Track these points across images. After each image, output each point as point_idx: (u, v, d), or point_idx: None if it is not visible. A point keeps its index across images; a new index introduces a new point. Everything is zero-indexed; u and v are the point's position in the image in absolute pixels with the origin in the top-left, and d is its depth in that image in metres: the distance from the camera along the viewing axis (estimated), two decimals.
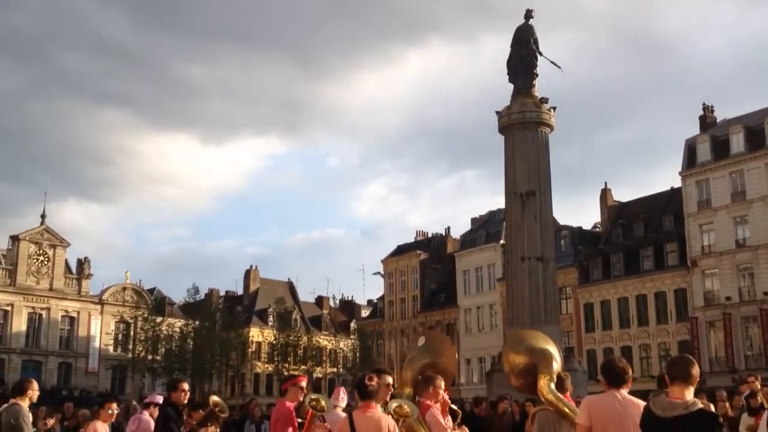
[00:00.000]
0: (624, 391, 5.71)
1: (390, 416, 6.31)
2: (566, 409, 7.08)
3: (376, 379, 6.57)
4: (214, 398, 8.02)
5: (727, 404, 12.00)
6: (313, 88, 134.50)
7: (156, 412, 9.35)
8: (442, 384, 7.22)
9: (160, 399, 9.74)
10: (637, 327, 50.60)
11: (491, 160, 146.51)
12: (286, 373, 61.53)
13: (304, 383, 8.17)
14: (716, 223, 47.38)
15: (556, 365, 7.64)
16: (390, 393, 6.76)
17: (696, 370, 4.98)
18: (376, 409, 6.32)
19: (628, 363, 6.45)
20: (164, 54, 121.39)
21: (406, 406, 6.30)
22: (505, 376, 9.05)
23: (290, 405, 7.73)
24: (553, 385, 7.35)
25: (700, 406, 4.86)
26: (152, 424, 9.13)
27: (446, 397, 7.40)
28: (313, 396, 7.06)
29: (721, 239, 46.91)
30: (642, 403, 5.76)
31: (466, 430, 7.57)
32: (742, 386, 11.98)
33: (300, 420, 7.43)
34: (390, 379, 6.73)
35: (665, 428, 4.78)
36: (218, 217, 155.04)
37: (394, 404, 6.24)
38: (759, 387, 11.59)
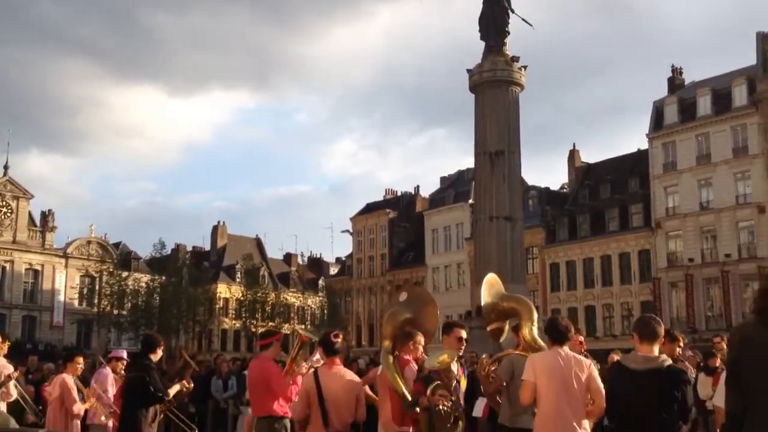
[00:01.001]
0: (566, 348, 5.94)
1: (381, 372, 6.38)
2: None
3: (341, 336, 6.67)
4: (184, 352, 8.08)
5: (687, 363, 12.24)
6: (283, 42, 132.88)
7: (119, 367, 9.32)
8: (422, 340, 7.26)
9: (123, 353, 9.70)
10: (601, 287, 51.39)
11: (461, 119, 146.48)
12: (253, 330, 61.82)
13: (280, 339, 8.20)
14: (681, 185, 47.98)
15: (536, 314, 7.74)
16: (462, 347, 6.58)
17: (662, 330, 5.27)
18: (341, 366, 6.45)
19: (592, 322, 6.64)
20: (131, 1, 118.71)
21: (444, 356, 6.12)
22: (474, 333, 9.12)
23: (274, 363, 7.74)
24: (535, 332, 7.43)
25: (670, 362, 5.10)
26: (111, 377, 9.12)
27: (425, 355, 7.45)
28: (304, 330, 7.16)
29: (685, 201, 47.56)
30: (583, 359, 5.94)
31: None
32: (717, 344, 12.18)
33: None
34: (464, 333, 6.58)
35: (638, 379, 4.98)
36: (185, 171, 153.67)
37: (433, 361, 6.08)
38: (725, 347, 11.84)
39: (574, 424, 5.74)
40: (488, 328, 8.37)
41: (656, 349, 5.17)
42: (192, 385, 8.24)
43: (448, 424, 5.97)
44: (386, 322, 7.81)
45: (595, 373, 5.86)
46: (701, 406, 10.18)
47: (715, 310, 45.23)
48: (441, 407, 5.93)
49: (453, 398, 6.05)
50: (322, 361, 8.00)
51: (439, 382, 6.01)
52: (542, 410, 5.91)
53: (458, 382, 6.31)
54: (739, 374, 3.37)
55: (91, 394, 8.77)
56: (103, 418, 8.88)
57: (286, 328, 68.28)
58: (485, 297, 8.19)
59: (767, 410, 3.22)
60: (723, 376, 9.49)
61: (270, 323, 62.51)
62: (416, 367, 7.01)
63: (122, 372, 9.04)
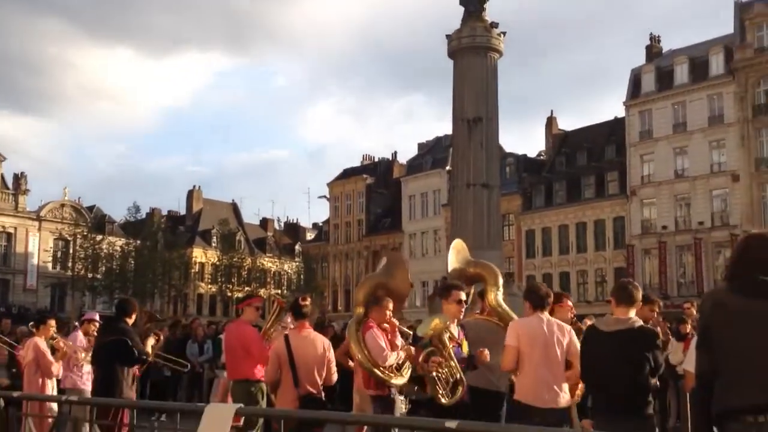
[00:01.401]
0: (547, 314, 6.00)
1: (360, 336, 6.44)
2: (512, 318, 7.14)
3: (309, 300, 6.81)
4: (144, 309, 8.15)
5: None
6: (259, 3, 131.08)
7: (91, 329, 9.30)
8: (390, 305, 7.30)
9: (96, 315, 9.67)
10: (576, 254, 51.86)
11: (440, 85, 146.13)
12: (229, 294, 61.83)
13: (259, 304, 8.21)
14: (657, 153, 48.30)
15: (501, 279, 7.78)
16: (463, 309, 6.58)
17: (639, 294, 5.36)
18: (311, 329, 6.58)
19: (566, 288, 6.72)
20: None
21: (437, 321, 6.14)
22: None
23: (251, 326, 7.77)
24: (501, 296, 7.48)
25: (641, 323, 5.17)
26: (80, 338, 9.10)
27: (394, 319, 7.49)
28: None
29: (660, 169, 47.92)
30: (564, 325, 6.02)
31: (412, 349, 7.65)
32: (687, 310, 12.37)
33: None
34: (463, 295, 6.58)
35: (608, 341, 5.05)
36: (160, 133, 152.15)
37: (425, 328, 6.10)
38: (695, 313, 12.03)
39: (555, 388, 5.83)
40: None
41: (632, 313, 5.23)
42: (162, 337, 8.27)
43: (445, 390, 6.03)
44: (359, 288, 7.86)
45: (575, 339, 5.93)
46: (672, 371, 10.34)
47: (688, 277, 45.87)
48: (435, 374, 5.99)
49: (451, 363, 6.09)
50: (292, 325, 8.04)
51: (432, 348, 6.05)
52: (525, 375, 6.00)
53: (459, 345, 6.34)
54: (709, 339, 3.41)
55: (64, 348, 8.71)
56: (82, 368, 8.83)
57: (262, 293, 68.53)
58: (452, 263, 8.25)
59: (736, 373, 3.26)
60: (693, 341, 9.65)
61: (246, 288, 62.61)
62: (379, 332, 7.10)
63: (94, 334, 9.00)
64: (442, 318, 6.17)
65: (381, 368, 7.08)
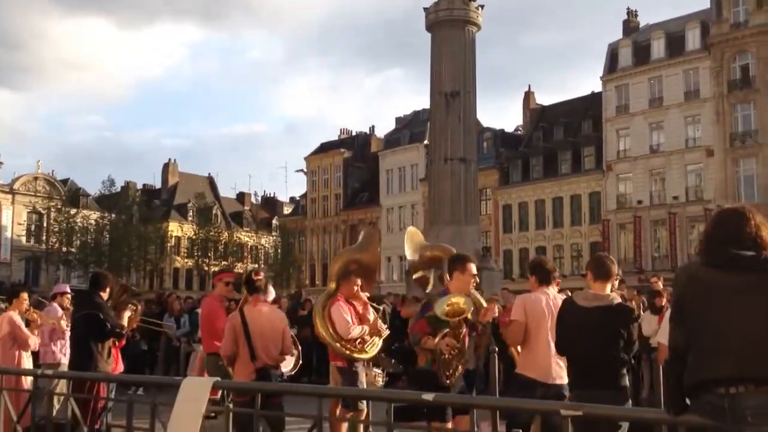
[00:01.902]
0: (552, 289, 6.04)
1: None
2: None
3: (262, 275, 6.91)
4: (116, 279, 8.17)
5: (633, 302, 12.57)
6: None
7: (65, 301, 9.24)
8: (358, 280, 7.38)
9: (66, 288, 9.62)
10: (552, 228, 52.20)
11: (418, 59, 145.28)
12: (206, 268, 61.60)
13: (229, 279, 8.21)
14: (632, 128, 48.57)
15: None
16: (474, 283, 6.49)
17: (615, 269, 5.41)
18: (265, 303, 6.64)
19: None
20: None
21: (458, 300, 6.06)
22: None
23: (218, 301, 7.84)
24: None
25: (619, 300, 5.23)
26: (60, 311, 9.04)
27: (365, 294, 7.56)
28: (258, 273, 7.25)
29: (636, 144, 48.22)
30: None
31: (381, 324, 7.71)
32: (654, 284, 12.57)
33: None
34: (474, 269, 6.47)
35: (586, 316, 5.10)
36: (135, 106, 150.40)
37: (443, 306, 6.02)
38: (661, 287, 12.23)
39: (561, 363, 5.89)
40: (414, 277, 8.51)
41: (608, 288, 5.28)
42: (139, 307, 8.25)
43: (448, 371, 6.08)
44: (333, 263, 7.96)
45: None
46: (645, 343, 10.49)
47: (662, 251, 46.37)
48: (446, 355, 6.03)
49: (459, 345, 6.12)
50: (270, 297, 8.07)
51: (448, 330, 6.06)
52: (530, 350, 6.03)
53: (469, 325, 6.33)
54: (683, 312, 3.44)
55: (38, 320, 8.65)
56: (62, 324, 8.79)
57: (239, 268, 68.39)
58: (408, 252, 8.32)
59: (709, 346, 3.29)
60: (667, 314, 9.80)
61: (223, 262, 62.39)
62: (345, 306, 7.22)
63: (69, 306, 8.95)
64: (467, 301, 6.08)
65: (344, 342, 7.18)
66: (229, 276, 8.43)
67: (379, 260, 8.41)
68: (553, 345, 5.67)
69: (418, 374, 6.34)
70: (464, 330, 6.15)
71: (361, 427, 7.34)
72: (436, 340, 6.03)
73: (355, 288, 7.39)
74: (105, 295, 7.86)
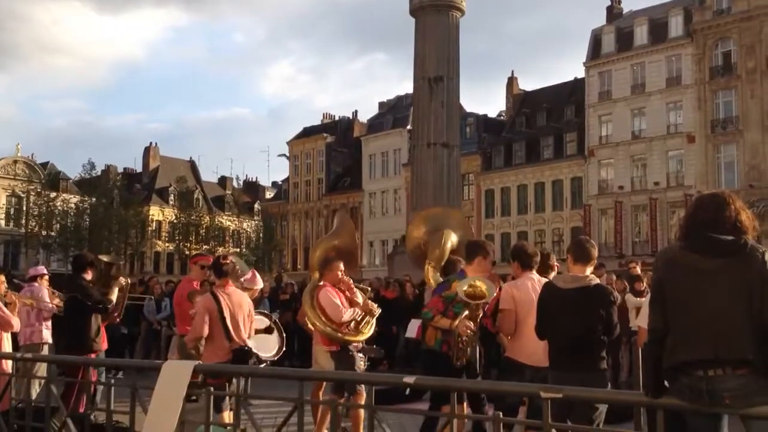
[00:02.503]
0: (535, 273, 6.05)
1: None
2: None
3: (230, 259, 7.07)
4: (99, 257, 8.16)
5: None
6: None
7: (45, 282, 9.21)
8: (341, 266, 7.41)
9: (43, 269, 9.57)
10: (534, 213, 52.41)
11: (401, 43, 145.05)
12: (187, 252, 61.32)
13: (204, 262, 8.20)
14: (615, 114, 48.74)
15: (441, 252, 7.84)
16: (488, 273, 6.49)
17: (595, 252, 5.47)
18: (233, 286, 6.84)
19: None
20: None
21: (482, 286, 6.02)
22: (406, 258, 9.25)
23: (195, 283, 7.88)
24: (438, 274, 7.57)
25: (598, 281, 5.25)
26: (45, 291, 8.97)
27: (348, 277, 7.58)
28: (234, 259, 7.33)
29: (618, 130, 48.40)
30: None
31: (372, 305, 7.71)
32: (632, 269, 12.75)
33: None
34: (493, 258, 6.57)
35: (564, 298, 5.12)
36: (116, 90, 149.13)
37: (464, 286, 6.02)
38: (639, 272, 12.42)
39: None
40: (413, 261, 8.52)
41: (588, 271, 5.31)
42: (128, 281, 8.30)
43: (459, 354, 6.15)
44: (312, 253, 7.96)
45: None
46: (625, 326, 10.58)
47: (642, 236, 46.69)
48: (464, 338, 6.10)
49: (475, 329, 6.20)
50: (258, 285, 8.10)
51: (467, 312, 6.11)
52: (521, 335, 6.04)
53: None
54: (662, 295, 3.47)
55: (17, 301, 8.58)
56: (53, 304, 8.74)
57: (221, 252, 68.19)
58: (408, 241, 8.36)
59: (687, 329, 3.33)
60: (646, 298, 9.88)
61: (204, 246, 62.20)
62: (333, 291, 7.25)
63: (48, 287, 8.94)
64: (489, 287, 6.05)
65: (336, 327, 7.20)
66: (203, 260, 8.46)
67: (355, 243, 8.40)
68: None
69: (429, 356, 6.32)
70: (480, 314, 6.19)
71: (362, 412, 7.37)
72: (456, 322, 6.07)
73: (339, 273, 7.42)
74: (89, 276, 7.87)
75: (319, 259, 7.78)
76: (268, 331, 8.49)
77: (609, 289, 5.41)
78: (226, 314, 6.61)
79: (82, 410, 6.51)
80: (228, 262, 6.94)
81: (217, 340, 6.59)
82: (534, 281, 6.11)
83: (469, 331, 6.10)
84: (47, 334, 8.85)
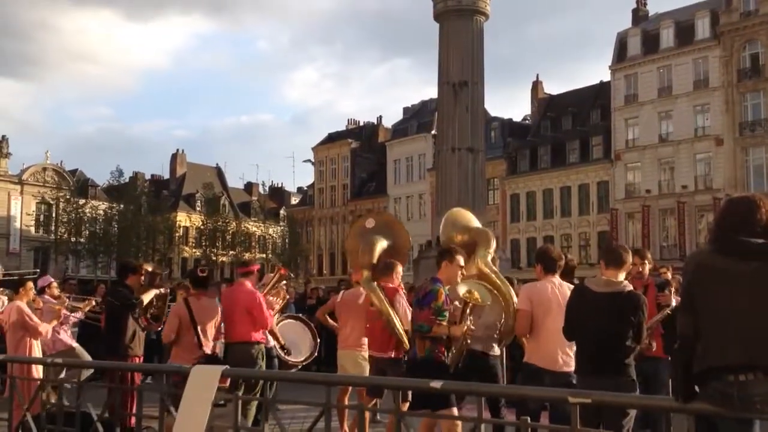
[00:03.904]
0: (557, 277, 6.02)
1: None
2: (499, 281, 7.14)
3: (207, 271, 7.52)
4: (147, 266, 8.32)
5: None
6: None
7: (54, 291, 9.35)
8: (401, 270, 7.48)
9: (50, 279, 9.76)
10: (560, 218, 52.10)
11: (425, 48, 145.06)
12: (214, 258, 61.74)
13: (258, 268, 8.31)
14: (641, 117, 48.34)
15: (494, 243, 7.77)
16: (461, 273, 6.61)
17: (629, 258, 5.42)
18: (206, 296, 7.22)
19: None
20: None
21: (476, 293, 6.17)
22: (432, 262, 9.18)
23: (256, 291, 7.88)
24: (489, 259, 7.44)
25: (631, 287, 5.22)
26: (53, 300, 9.14)
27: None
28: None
29: (645, 133, 48.00)
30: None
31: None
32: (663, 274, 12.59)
33: None
34: (462, 260, 6.58)
35: (597, 301, 5.11)
36: (143, 97, 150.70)
37: (463, 289, 6.14)
38: (670, 277, 12.24)
39: (568, 352, 5.89)
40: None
41: (621, 276, 5.27)
42: (167, 290, 8.48)
43: (458, 358, 6.23)
44: (363, 252, 7.85)
45: None
46: None
47: (670, 241, 46.22)
48: (468, 340, 6.22)
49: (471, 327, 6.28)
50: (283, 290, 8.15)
51: (471, 317, 6.19)
52: (537, 339, 6.03)
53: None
54: (692, 300, 3.44)
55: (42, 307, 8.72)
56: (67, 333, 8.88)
57: (247, 257, 68.47)
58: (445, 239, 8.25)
59: (718, 334, 3.29)
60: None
61: (231, 252, 62.58)
62: (404, 297, 7.26)
63: (60, 294, 9.12)
64: (484, 297, 6.18)
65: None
66: (259, 267, 8.55)
67: (409, 239, 8.39)
68: (561, 333, 5.63)
69: (422, 365, 6.27)
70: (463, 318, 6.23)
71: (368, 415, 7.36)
72: (463, 327, 6.08)
73: (399, 279, 7.59)
74: (131, 282, 8.01)
75: (374, 260, 7.75)
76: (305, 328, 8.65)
77: (641, 296, 5.35)
78: (199, 323, 7.02)
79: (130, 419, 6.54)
80: (205, 273, 7.42)
81: (187, 345, 7.01)
82: (555, 285, 6.07)
83: (470, 336, 6.14)
84: (68, 339, 8.98)
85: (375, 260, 7.73)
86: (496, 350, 6.98)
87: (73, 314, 9.23)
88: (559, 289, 6.01)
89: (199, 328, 7.04)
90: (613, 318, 5.08)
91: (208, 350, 7.05)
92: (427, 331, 6.11)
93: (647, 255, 7.17)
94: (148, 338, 14.20)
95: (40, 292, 9.37)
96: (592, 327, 5.12)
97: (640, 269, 6.93)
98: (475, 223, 8.10)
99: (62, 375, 6.10)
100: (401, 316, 7.27)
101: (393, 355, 7.31)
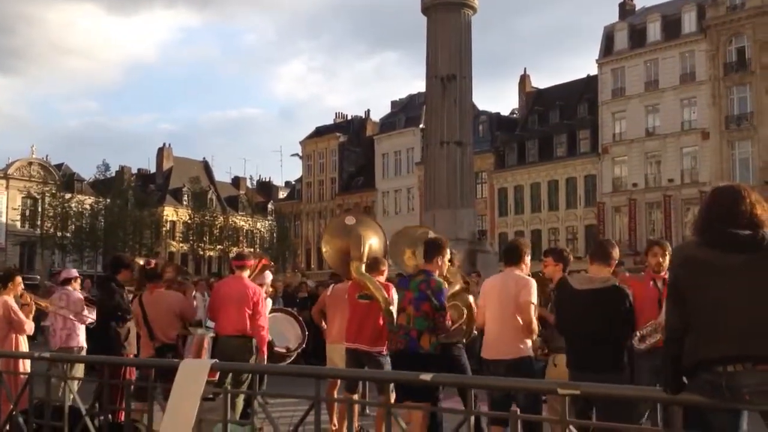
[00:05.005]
0: (515, 270, 5.98)
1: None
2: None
3: (153, 263, 7.62)
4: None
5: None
6: None
7: (77, 285, 9.23)
8: (386, 267, 7.53)
9: (75, 273, 9.58)
10: (548, 211, 52.26)
11: (413, 42, 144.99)
12: (201, 253, 61.54)
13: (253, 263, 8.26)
14: (628, 111, 48.52)
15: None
16: (446, 267, 6.79)
17: (616, 253, 5.42)
18: (161, 289, 7.27)
19: (538, 246, 6.80)
20: None
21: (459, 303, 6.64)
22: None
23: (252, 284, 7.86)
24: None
25: (615, 282, 5.19)
26: (79, 296, 8.98)
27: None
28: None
29: (632, 127, 48.19)
30: (523, 279, 5.96)
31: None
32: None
33: None
34: (449, 253, 6.80)
35: (579, 299, 5.11)
36: (129, 91, 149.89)
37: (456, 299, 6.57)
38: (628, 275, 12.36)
39: (504, 340, 5.89)
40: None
41: (606, 271, 5.26)
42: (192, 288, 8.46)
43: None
44: (355, 246, 7.82)
45: (527, 292, 5.88)
46: None
47: (657, 234, 46.39)
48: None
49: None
50: (266, 280, 8.10)
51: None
52: (486, 331, 6.13)
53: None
54: (680, 292, 3.44)
55: (32, 303, 8.59)
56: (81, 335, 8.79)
57: (234, 252, 68.26)
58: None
59: (707, 326, 3.30)
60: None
61: (218, 246, 62.40)
62: (395, 293, 7.31)
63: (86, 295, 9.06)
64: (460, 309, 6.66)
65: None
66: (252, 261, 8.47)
67: (384, 240, 8.41)
68: (498, 323, 5.89)
69: (430, 358, 6.26)
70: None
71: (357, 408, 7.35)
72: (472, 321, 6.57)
73: (386, 273, 7.60)
74: (123, 277, 7.95)
75: (364, 257, 7.76)
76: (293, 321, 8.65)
77: (624, 291, 5.30)
78: (150, 316, 7.12)
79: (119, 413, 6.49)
80: (153, 266, 7.49)
81: (143, 340, 7.25)
82: (505, 276, 6.11)
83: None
84: (83, 339, 8.87)
85: (365, 255, 7.71)
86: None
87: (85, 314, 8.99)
88: (506, 279, 6.05)
89: (150, 321, 7.11)
90: (595, 315, 5.07)
91: (165, 341, 7.14)
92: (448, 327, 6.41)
93: (668, 247, 6.61)
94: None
95: (64, 283, 9.23)
96: (576, 324, 5.16)
97: (661, 260, 6.45)
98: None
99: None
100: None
101: (382, 351, 7.29)
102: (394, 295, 7.32)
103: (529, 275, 6.17)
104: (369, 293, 7.21)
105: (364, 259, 7.65)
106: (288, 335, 8.93)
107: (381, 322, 7.17)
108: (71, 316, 8.62)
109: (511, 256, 6.19)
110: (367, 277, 7.36)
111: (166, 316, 7.20)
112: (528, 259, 6.20)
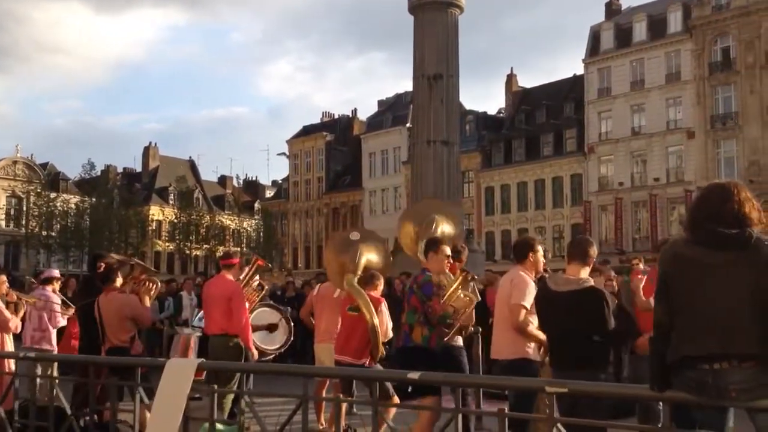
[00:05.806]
0: (520, 268, 5.98)
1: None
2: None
3: (105, 265, 7.48)
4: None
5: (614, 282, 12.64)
6: None
7: (57, 286, 9.15)
8: (382, 283, 7.51)
9: (56, 273, 9.51)
10: (534, 210, 52.40)
11: (400, 42, 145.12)
12: (187, 252, 61.31)
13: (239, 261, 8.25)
14: (614, 110, 48.73)
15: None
16: (449, 264, 6.72)
17: (593, 251, 5.32)
18: (116, 292, 7.15)
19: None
20: None
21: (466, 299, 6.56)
22: (406, 255, 9.20)
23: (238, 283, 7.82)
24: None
25: (591, 283, 5.13)
26: (56, 298, 8.92)
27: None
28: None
29: (617, 126, 48.40)
30: (516, 278, 5.92)
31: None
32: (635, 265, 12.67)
33: None
34: (448, 250, 6.71)
35: (557, 301, 5.08)
36: (115, 90, 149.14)
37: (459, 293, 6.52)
38: (642, 268, 12.32)
39: (501, 340, 5.90)
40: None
41: (584, 271, 5.20)
42: (158, 285, 8.18)
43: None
44: (351, 259, 7.77)
45: (518, 293, 5.81)
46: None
47: (642, 232, 46.69)
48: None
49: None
50: (256, 282, 8.08)
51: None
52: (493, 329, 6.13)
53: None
54: (668, 289, 3.45)
55: (15, 300, 8.51)
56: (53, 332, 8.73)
57: (220, 251, 68.09)
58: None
59: (693, 323, 3.31)
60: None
61: (205, 245, 62.20)
62: (387, 309, 7.32)
63: (57, 291, 8.91)
64: (464, 301, 6.62)
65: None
66: (241, 261, 8.46)
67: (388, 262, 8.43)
68: (499, 323, 5.89)
69: (414, 353, 6.30)
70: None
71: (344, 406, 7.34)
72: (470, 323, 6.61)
73: (380, 288, 7.55)
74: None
75: (361, 269, 7.73)
76: (270, 329, 8.47)
77: (601, 291, 5.24)
78: (104, 319, 7.03)
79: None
80: (101, 268, 7.41)
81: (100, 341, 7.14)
82: (510, 274, 6.05)
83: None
84: (55, 343, 8.79)
85: (360, 269, 7.67)
86: (459, 341, 7.03)
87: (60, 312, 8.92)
88: (507, 278, 6.04)
89: (103, 323, 7.05)
90: (571, 316, 5.03)
91: (115, 344, 6.98)
92: (449, 317, 6.36)
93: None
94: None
95: (45, 282, 9.15)
96: (555, 325, 5.17)
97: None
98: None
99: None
100: (383, 326, 7.27)
101: (366, 363, 7.26)
102: (385, 310, 7.31)
103: (540, 272, 6.13)
104: (357, 306, 7.19)
105: (358, 272, 7.60)
106: (274, 332, 8.89)
107: (368, 335, 7.15)
108: (45, 318, 8.57)
109: (516, 252, 6.18)
110: (356, 290, 7.32)
111: (116, 319, 7.05)
112: (537, 255, 6.06)
